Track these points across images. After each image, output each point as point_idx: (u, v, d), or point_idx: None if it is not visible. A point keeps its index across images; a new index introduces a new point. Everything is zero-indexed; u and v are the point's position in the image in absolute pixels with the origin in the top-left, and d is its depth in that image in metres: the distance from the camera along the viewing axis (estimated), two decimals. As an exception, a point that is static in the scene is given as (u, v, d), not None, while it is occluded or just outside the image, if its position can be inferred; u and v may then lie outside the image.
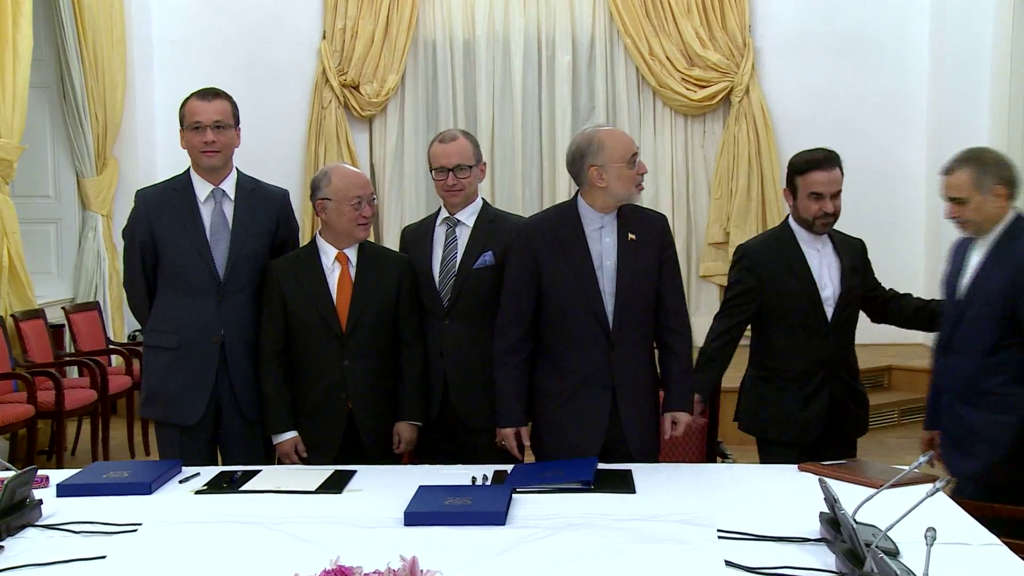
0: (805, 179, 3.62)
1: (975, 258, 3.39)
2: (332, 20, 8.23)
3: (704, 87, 8.17)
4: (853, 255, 3.73)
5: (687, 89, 8.18)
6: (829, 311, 3.63)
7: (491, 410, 3.49)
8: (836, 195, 3.62)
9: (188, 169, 3.67)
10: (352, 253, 3.59)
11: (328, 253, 3.58)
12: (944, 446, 3.45)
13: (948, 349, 3.42)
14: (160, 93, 7.97)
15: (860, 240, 3.81)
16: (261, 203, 3.70)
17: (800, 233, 3.69)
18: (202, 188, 3.63)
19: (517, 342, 3.39)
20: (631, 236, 3.34)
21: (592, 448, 3.30)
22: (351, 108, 8.29)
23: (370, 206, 3.57)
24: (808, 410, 3.66)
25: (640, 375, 3.39)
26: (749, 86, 8.10)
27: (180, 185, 3.66)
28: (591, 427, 3.34)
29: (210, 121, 3.54)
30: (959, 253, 3.50)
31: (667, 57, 8.16)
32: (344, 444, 3.54)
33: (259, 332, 3.60)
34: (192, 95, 3.60)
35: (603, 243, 3.34)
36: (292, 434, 3.54)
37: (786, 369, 3.69)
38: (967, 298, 3.36)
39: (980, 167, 3.30)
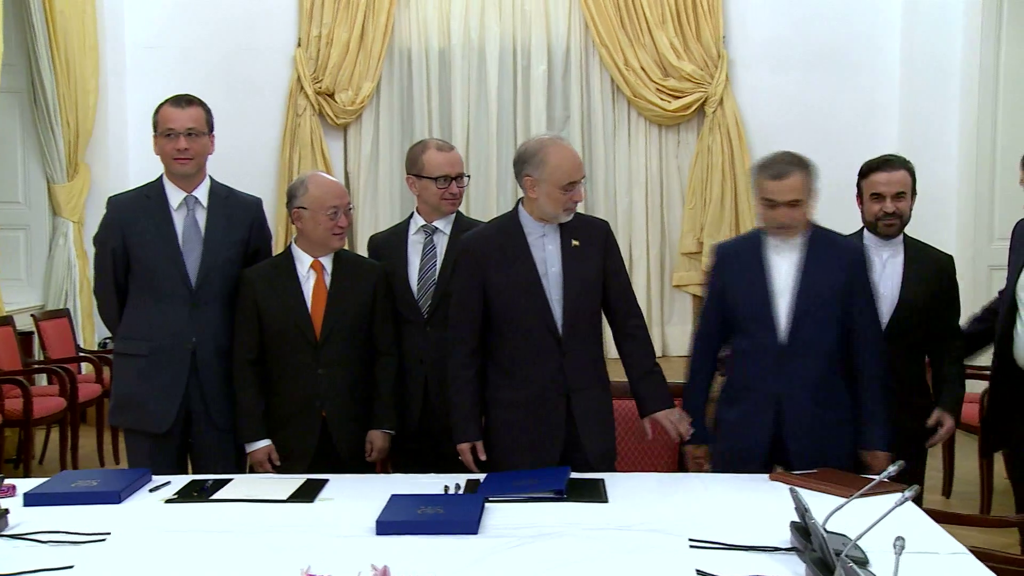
0: (867, 181, 3.67)
1: (783, 262, 3.39)
2: (307, 28, 8.22)
3: (678, 97, 8.21)
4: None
5: (661, 99, 8.22)
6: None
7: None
8: (898, 197, 3.63)
9: (161, 176, 3.65)
10: (327, 261, 3.59)
11: (303, 261, 3.58)
12: (796, 454, 3.35)
13: (788, 352, 3.35)
14: (133, 99, 7.92)
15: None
16: (234, 211, 3.69)
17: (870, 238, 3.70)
18: (175, 195, 3.60)
19: (469, 357, 3.40)
20: (575, 242, 3.36)
21: (550, 456, 3.32)
22: (326, 116, 8.28)
23: (346, 216, 3.57)
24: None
25: (593, 380, 3.41)
26: (723, 97, 8.15)
27: (153, 192, 3.63)
28: (548, 435, 3.36)
29: (183, 128, 3.52)
30: (749, 258, 3.45)
31: (642, 67, 8.20)
32: (318, 452, 3.54)
33: (232, 340, 3.59)
34: (166, 101, 3.58)
35: (546, 251, 3.36)
36: (266, 442, 3.53)
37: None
38: (800, 301, 3.35)
39: (811, 171, 3.36)
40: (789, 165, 3.33)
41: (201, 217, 3.61)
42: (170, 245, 3.56)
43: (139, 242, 3.57)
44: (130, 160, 7.85)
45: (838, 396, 3.38)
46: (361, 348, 3.60)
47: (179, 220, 3.60)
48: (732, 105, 8.17)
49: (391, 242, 3.80)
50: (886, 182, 3.63)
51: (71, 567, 2.46)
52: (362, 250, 4.16)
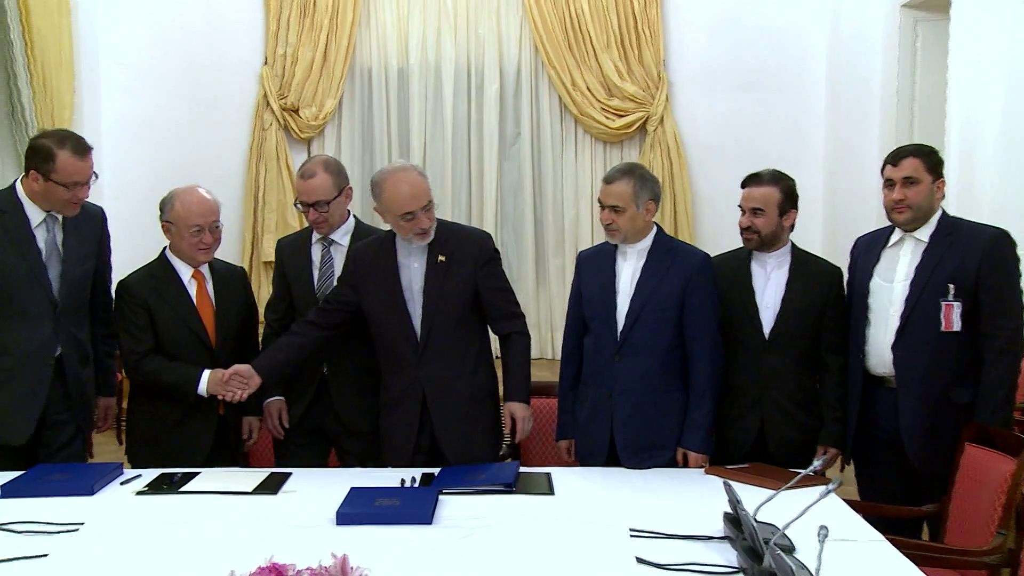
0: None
1: (627, 267, 3.43)
2: (273, 47, 8.15)
3: (622, 116, 8.25)
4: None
5: (606, 118, 8.25)
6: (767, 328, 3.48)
7: (373, 415, 3.52)
8: (755, 212, 3.50)
9: (15, 191, 3.41)
10: (206, 270, 3.56)
11: (184, 271, 3.52)
12: (626, 449, 3.37)
13: (623, 352, 3.38)
14: (107, 115, 7.79)
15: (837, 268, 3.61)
16: (84, 224, 3.52)
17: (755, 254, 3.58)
18: (35, 213, 3.38)
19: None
20: (441, 258, 3.36)
21: (403, 456, 3.37)
22: (290, 130, 8.22)
23: (212, 233, 3.47)
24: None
25: (454, 387, 3.39)
26: (663, 116, 8.19)
27: (8, 207, 3.36)
28: (404, 436, 3.40)
29: (85, 178, 3.38)
30: (601, 263, 3.50)
31: (588, 88, 8.23)
32: (214, 448, 3.50)
33: (93, 347, 3.55)
34: (67, 148, 3.31)
35: (412, 268, 3.39)
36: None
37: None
38: (638, 302, 3.37)
39: (640, 182, 3.37)
40: (618, 172, 3.41)
41: (58, 233, 3.44)
42: (34, 262, 3.35)
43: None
44: (104, 174, 7.69)
45: (671, 400, 3.38)
46: (245, 347, 3.61)
47: (40, 237, 3.39)
48: (672, 124, 8.22)
49: (296, 246, 3.75)
50: (745, 197, 3.54)
51: (45, 555, 2.43)
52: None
